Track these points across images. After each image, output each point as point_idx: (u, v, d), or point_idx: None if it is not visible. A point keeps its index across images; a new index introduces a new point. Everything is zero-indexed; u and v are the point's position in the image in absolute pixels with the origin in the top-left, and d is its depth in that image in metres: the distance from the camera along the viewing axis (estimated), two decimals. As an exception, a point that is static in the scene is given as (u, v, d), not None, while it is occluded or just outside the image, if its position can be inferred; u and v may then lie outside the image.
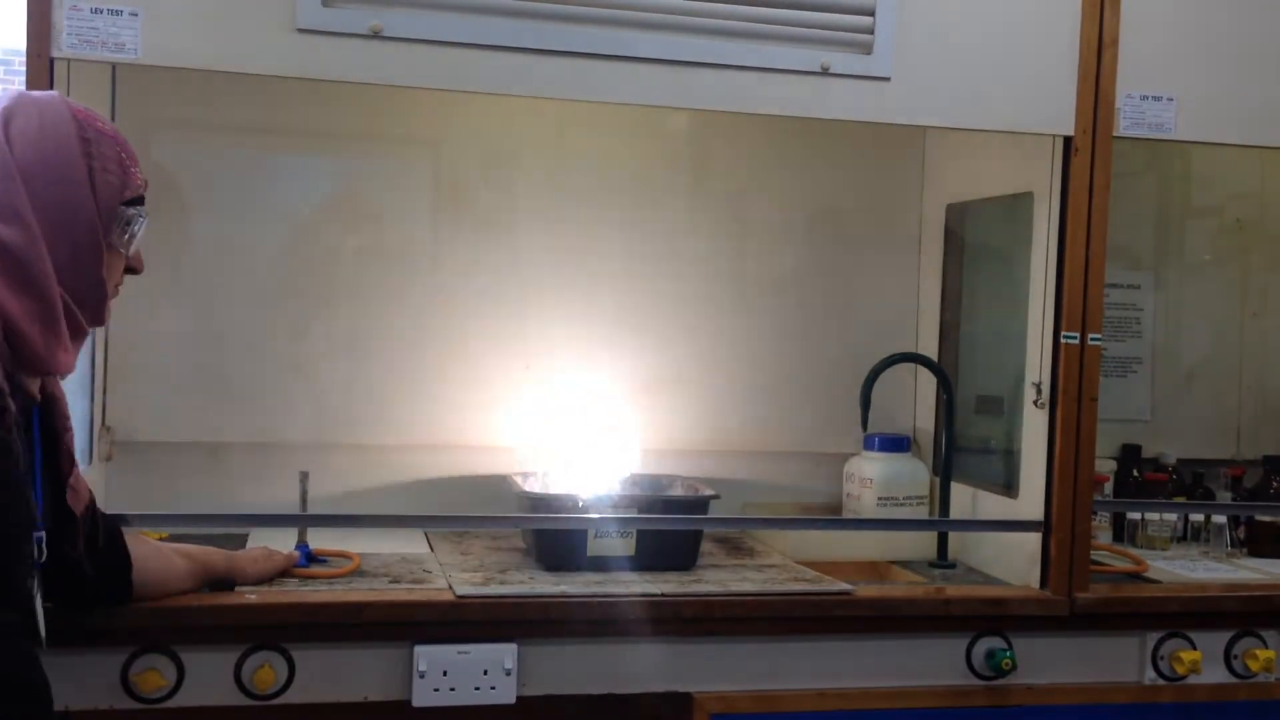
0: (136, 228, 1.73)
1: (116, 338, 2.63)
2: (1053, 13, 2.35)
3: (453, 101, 2.66)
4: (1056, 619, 2.37)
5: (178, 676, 2.03)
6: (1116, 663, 2.42)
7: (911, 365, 2.93)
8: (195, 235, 2.70)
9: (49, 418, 1.75)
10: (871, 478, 2.81)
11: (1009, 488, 2.60)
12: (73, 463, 1.80)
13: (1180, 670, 2.40)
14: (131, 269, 1.79)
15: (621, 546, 2.37)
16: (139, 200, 1.74)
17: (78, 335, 1.69)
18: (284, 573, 2.22)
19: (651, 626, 2.19)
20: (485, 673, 2.12)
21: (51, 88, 1.95)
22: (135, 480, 2.62)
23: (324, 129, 2.76)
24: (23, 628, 1.57)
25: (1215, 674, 2.44)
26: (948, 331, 2.96)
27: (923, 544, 2.77)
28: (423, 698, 2.10)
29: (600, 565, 2.36)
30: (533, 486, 2.58)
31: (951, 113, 2.35)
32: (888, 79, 2.29)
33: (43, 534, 1.66)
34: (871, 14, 2.27)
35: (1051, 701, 2.38)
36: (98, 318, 1.72)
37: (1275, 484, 2.96)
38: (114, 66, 2.44)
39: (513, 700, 2.13)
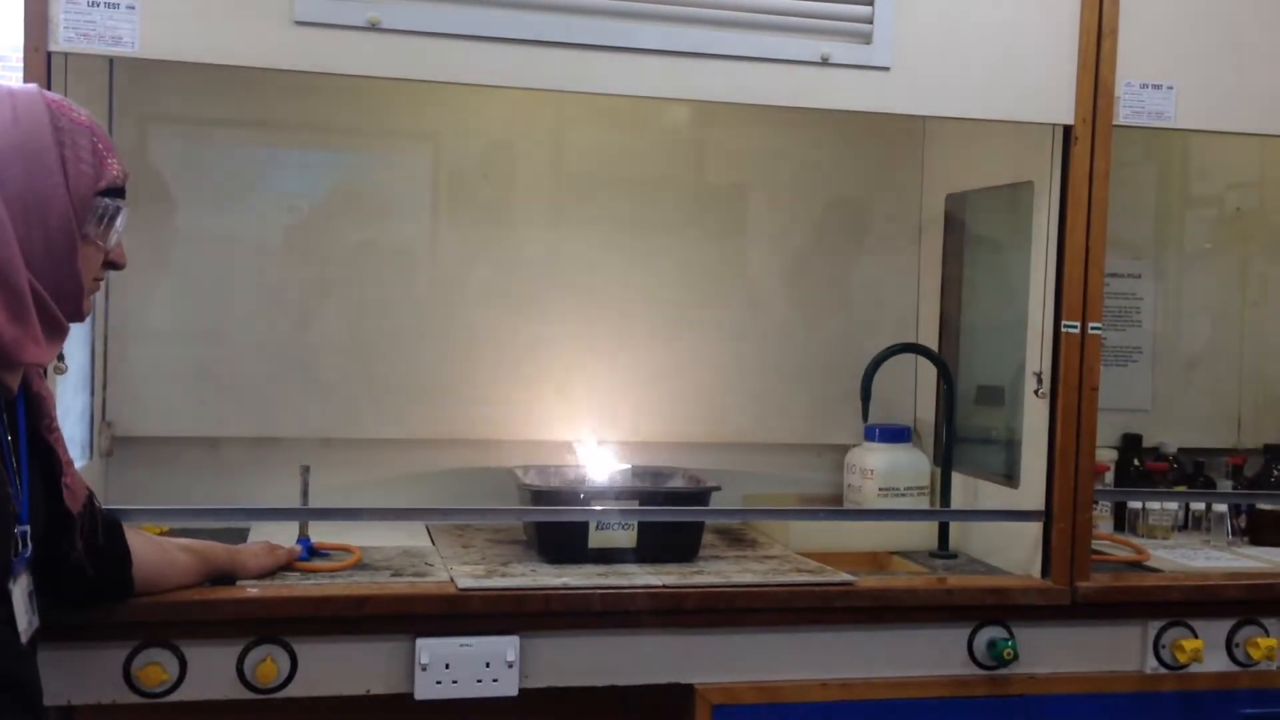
0: (114, 219, 1.71)
1: (116, 332, 2.62)
2: (1052, 1, 2.35)
3: (452, 94, 2.66)
4: (1058, 608, 2.37)
5: (180, 670, 2.03)
6: (1118, 652, 2.42)
7: (912, 356, 2.93)
8: (194, 230, 2.69)
9: (33, 416, 1.74)
10: (873, 468, 2.81)
11: (1010, 477, 2.60)
12: (66, 461, 1.80)
13: (1182, 659, 2.40)
14: (112, 264, 1.77)
15: (623, 538, 2.37)
16: (117, 192, 1.72)
17: (54, 329, 1.67)
18: (286, 567, 2.22)
19: (654, 618, 2.19)
20: (487, 665, 2.12)
21: (49, 82, 1.95)
22: (136, 475, 2.62)
23: (323, 123, 2.75)
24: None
25: (1217, 662, 2.45)
26: (948, 322, 2.95)
27: (924, 534, 2.77)
28: (425, 690, 2.10)
29: (602, 557, 2.36)
30: (534, 479, 2.58)
31: (951, 102, 2.35)
32: (887, 69, 2.28)
33: (26, 528, 1.66)
34: (871, 4, 2.27)
35: (1053, 691, 2.38)
36: (75, 311, 1.69)
37: (1276, 472, 2.96)
38: (112, 61, 2.43)
39: (515, 693, 2.13)
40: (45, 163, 1.63)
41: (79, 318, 1.72)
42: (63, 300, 1.66)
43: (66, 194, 1.64)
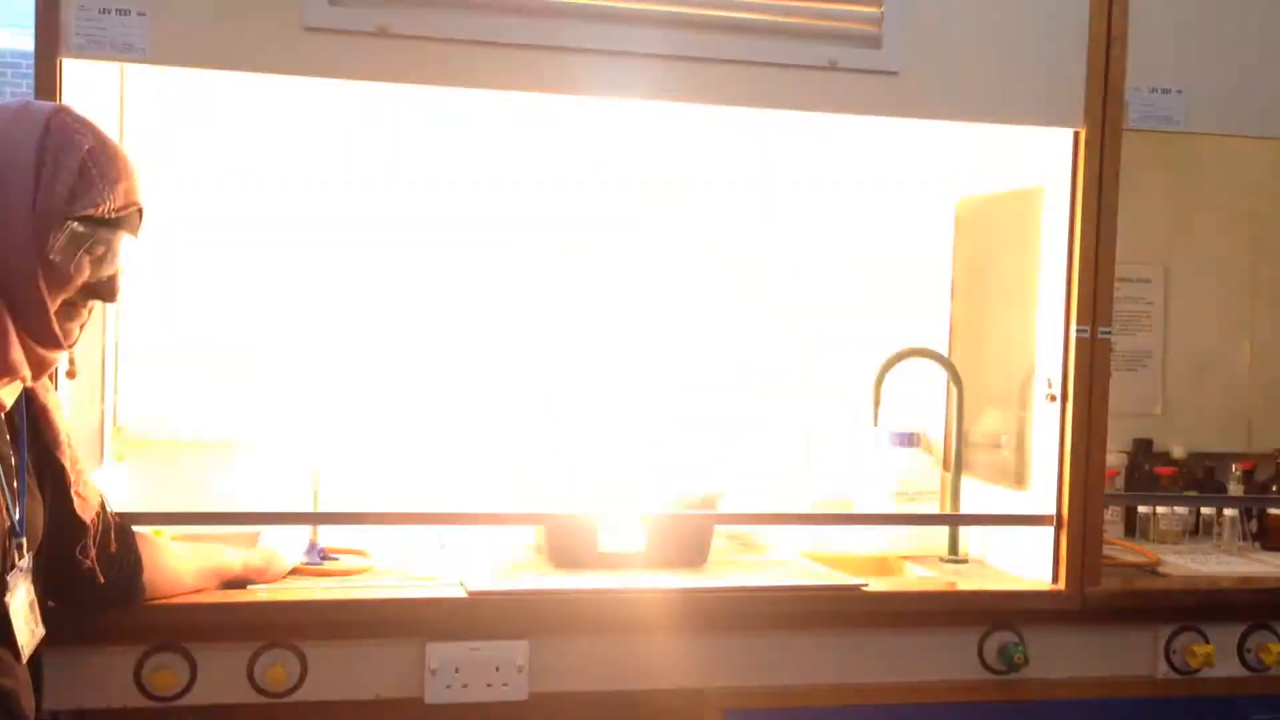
0: (84, 246, 1.62)
1: (128, 336, 2.63)
2: (1061, 7, 2.35)
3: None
4: (1068, 613, 2.37)
5: (190, 675, 2.03)
6: (1129, 657, 2.42)
7: (922, 360, 2.92)
8: (206, 235, 2.69)
9: (39, 429, 1.73)
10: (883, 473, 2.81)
11: (1020, 482, 2.59)
12: (77, 470, 1.80)
13: (1193, 664, 2.40)
14: (96, 294, 1.67)
15: (633, 543, 2.37)
16: (106, 222, 1.63)
17: (31, 352, 1.61)
18: (296, 571, 2.23)
19: (663, 622, 2.19)
20: (497, 669, 2.12)
21: (59, 89, 1.96)
22: (147, 479, 2.62)
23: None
24: None
25: (1228, 667, 2.44)
26: (958, 326, 2.95)
27: (934, 539, 2.77)
28: (435, 695, 2.10)
29: (611, 562, 2.36)
30: (544, 482, 2.57)
31: (960, 107, 2.35)
32: (896, 74, 2.29)
33: (23, 540, 1.65)
34: (879, 8, 2.27)
35: (1064, 696, 2.37)
36: (45, 336, 1.61)
37: (1287, 477, 2.96)
38: (122, 67, 2.44)
39: (525, 697, 2.14)
40: (14, 180, 1.58)
41: (54, 343, 1.63)
42: (29, 324, 1.60)
43: (31, 212, 1.57)
